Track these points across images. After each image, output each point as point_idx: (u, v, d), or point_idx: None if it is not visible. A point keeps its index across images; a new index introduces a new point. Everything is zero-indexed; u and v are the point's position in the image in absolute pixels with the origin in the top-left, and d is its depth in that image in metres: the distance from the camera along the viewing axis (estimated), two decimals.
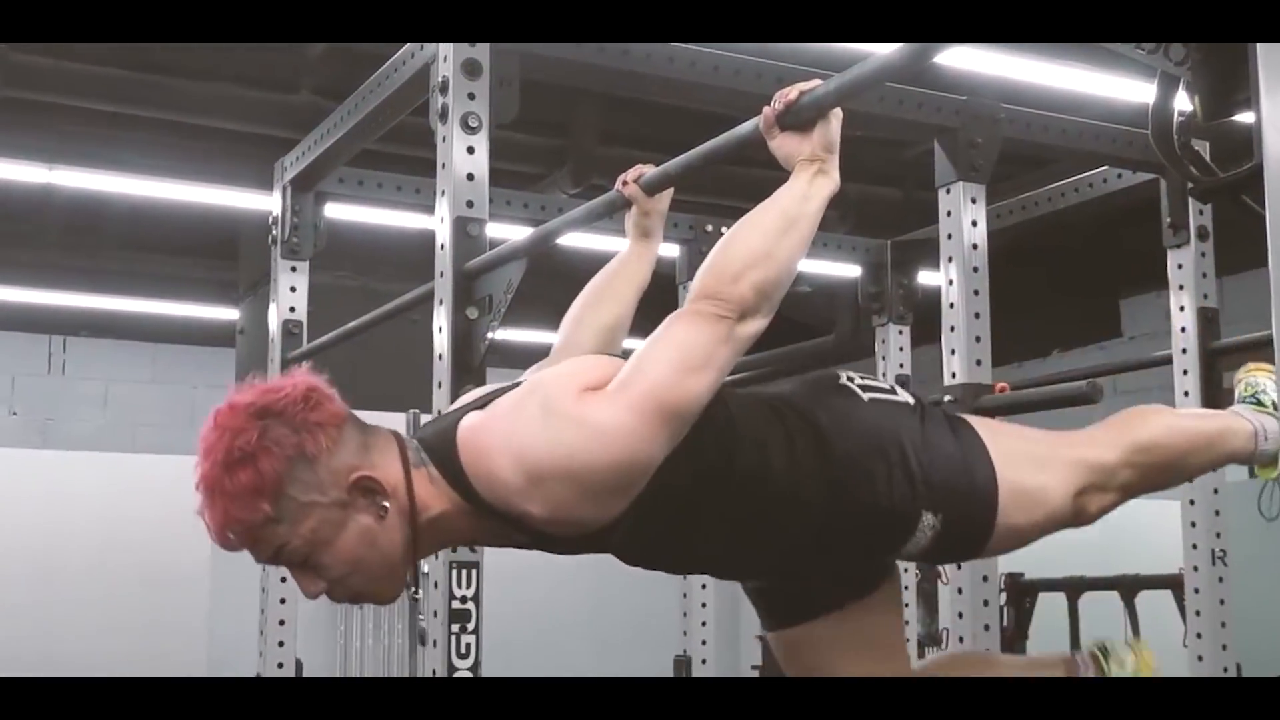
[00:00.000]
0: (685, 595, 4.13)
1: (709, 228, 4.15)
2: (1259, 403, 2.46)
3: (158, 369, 9.59)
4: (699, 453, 1.86)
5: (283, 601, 3.69)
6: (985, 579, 2.94)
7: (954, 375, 3.02)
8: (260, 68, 5.42)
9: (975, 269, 3.06)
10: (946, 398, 3.02)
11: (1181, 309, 3.53)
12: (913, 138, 4.79)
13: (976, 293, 3.05)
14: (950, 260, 3.09)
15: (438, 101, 2.77)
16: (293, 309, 3.81)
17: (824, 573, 2.16)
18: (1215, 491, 3.44)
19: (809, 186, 1.90)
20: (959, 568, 2.95)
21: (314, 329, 3.82)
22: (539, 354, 2.25)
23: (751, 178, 5.70)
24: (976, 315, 3.04)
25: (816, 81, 1.93)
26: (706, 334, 1.77)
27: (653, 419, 1.72)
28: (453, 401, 2.60)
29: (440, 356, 2.70)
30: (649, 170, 2.31)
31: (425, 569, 2.64)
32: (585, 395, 1.76)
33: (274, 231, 3.85)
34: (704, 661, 4.15)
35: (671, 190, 2.35)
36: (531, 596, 7.44)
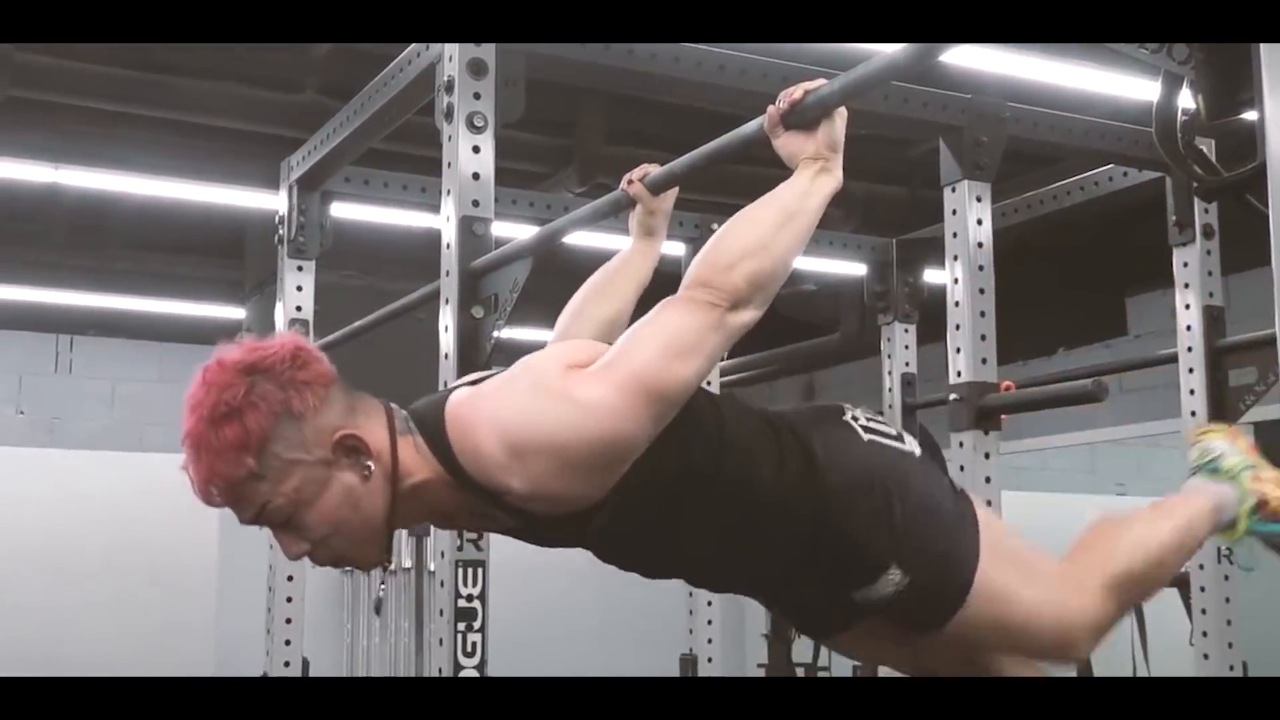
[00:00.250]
0: (691, 594, 4.13)
1: (714, 226, 4.10)
2: (1215, 469, 2.42)
3: (164, 368, 9.59)
4: (685, 450, 1.86)
5: (289, 600, 3.70)
6: None
7: (959, 374, 3.03)
8: (266, 67, 5.42)
9: (980, 267, 3.06)
10: (952, 396, 3.02)
11: (1187, 307, 3.54)
12: (918, 136, 4.80)
13: (982, 291, 3.05)
14: (956, 258, 3.09)
15: (443, 101, 2.77)
16: (299, 308, 3.82)
17: (787, 598, 2.16)
18: None
19: (810, 183, 1.90)
20: None
21: (320, 328, 3.83)
22: None
23: (757, 177, 5.69)
24: (982, 313, 3.04)
25: (822, 81, 1.94)
26: (696, 320, 1.78)
27: (636, 399, 1.72)
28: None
29: (446, 355, 2.70)
30: (654, 169, 2.31)
31: (432, 568, 2.65)
32: (571, 372, 1.77)
33: (280, 231, 3.86)
34: (710, 660, 4.15)
35: (676, 189, 2.35)
36: (538, 596, 7.45)
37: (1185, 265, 3.55)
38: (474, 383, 1.90)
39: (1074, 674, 2.35)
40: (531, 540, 1.98)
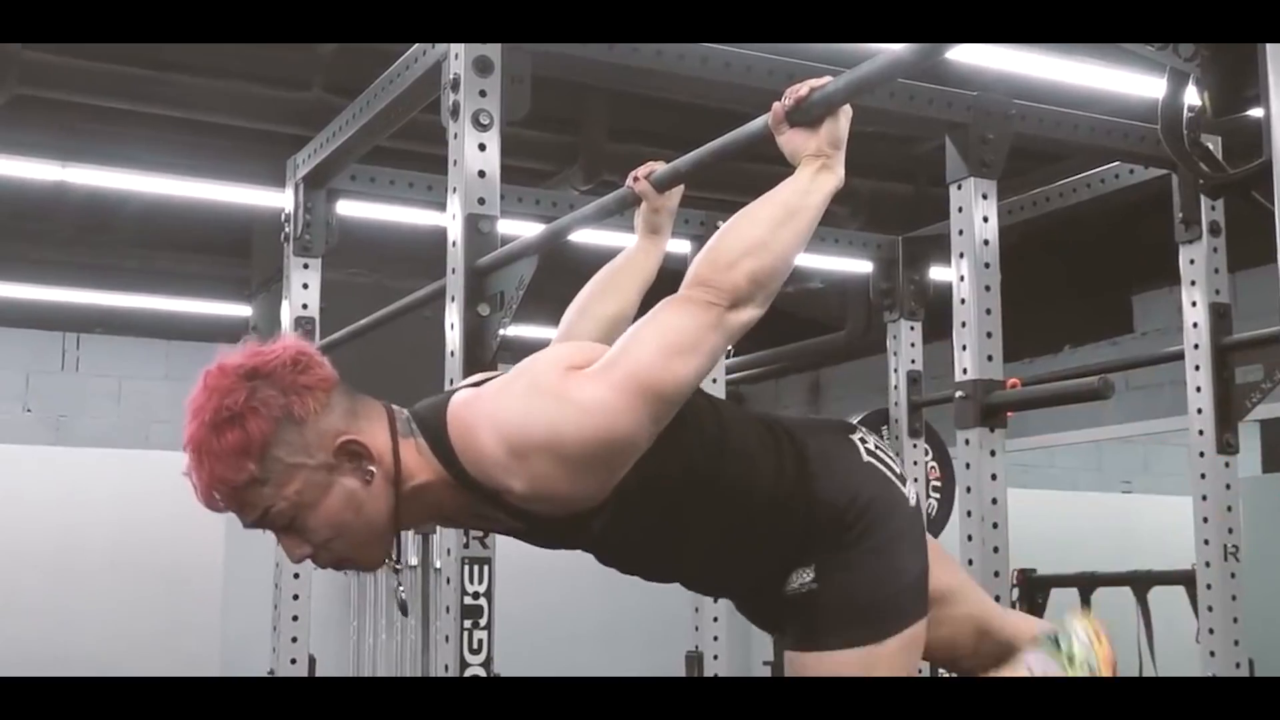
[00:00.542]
0: None
1: (719, 224, 4.12)
2: (1056, 646, 2.35)
3: (171, 366, 9.60)
4: (686, 454, 1.87)
5: (296, 598, 3.71)
6: (996, 574, 2.95)
7: (965, 371, 3.03)
8: (272, 65, 5.42)
9: (987, 265, 3.06)
10: (958, 393, 3.02)
11: (1193, 304, 3.53)
12: (924, 133, 4.80)
13: (988, 288, 3.05)
14: (962, 256, 3.09)
15: (449, 99, 2.77)
16: (305, 306, 3.83)
17: (760, 598, 2.13)
18: (1228, 487, 3.44)
19: (811, 181, 1.90)
20: (971, 562, 2.96)
21: (326, 326, 3.84)
22: None
23: (762, 174, 5.69)
24: (988, 311, 3.04)
25: (828, 78, 1.94)
26: (696, 319, 1.78)
27: (635, 398, 1.72)
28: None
29: (452, 353, 2.71)
30: (659, 167, 2.32)
31: (438, 565, 2.65)
32: (570, 373, 1.78)
33: (286, 229, 3.86)
34: (715, 657, 4.16)
35: (682, 187, 2.35)
36: (543, 593, 7.45)
37: (1191, 262, 3.55)
38: (477, 384, 1.91)
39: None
40: (533, 541, 1.98)
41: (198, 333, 9.35)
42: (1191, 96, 2.81)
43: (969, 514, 2.99)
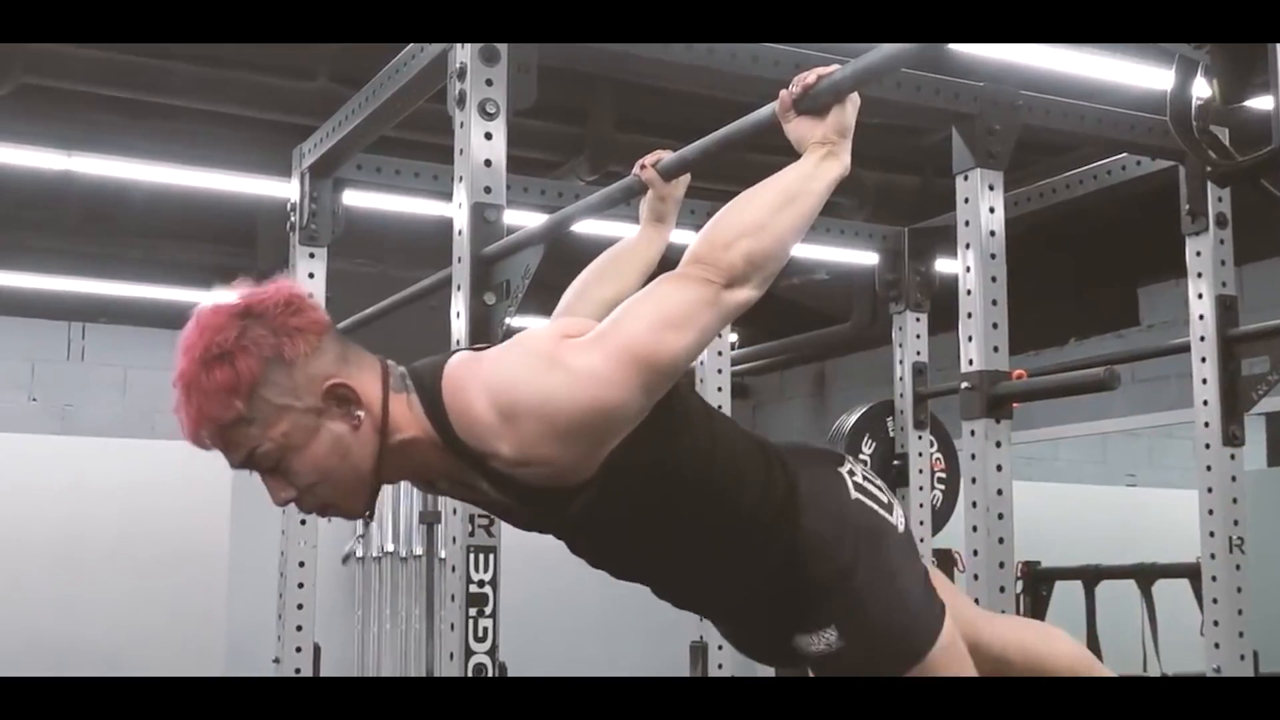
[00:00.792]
0: None
1: None
2: None
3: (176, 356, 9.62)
4: (675, 451, 1.88)
5: (301, 586, 3.71)
6: (1001, 565, 2.95)
7: (971, 362, 3.03)
8: (278, 55, 5.42)
9: (993, 255, 3.06)
10: (964, 384, 3.02)
11: (1200, 296, 3.53)
12: (931, 124, 4.79)
13: (994, 279, 3.05)
14: (968, 247, 3.09)
15: (455, 87, 2.77)
16: (311, 295, 3.81)
17: (737, 622, 2.16)
18: (1234, 479, 3.44)
19: (815, 167, 1.90)
20: (976, 554, 2.96)
21: (332, 315, 3.81)
22: None
23: (770, 166, 5.69)
24: (994, 302, 3.04)
25: (835, 66, 1.94)
26: (690, 294, 1.79)
27: (627, 368, 1.73)
28: None
29: (458, 342, 2.71)
30: (666, 155, 2.31)
31: (443, 554, 2.65)
32: (564, 341, 1.79)
33: (292, 218, 3.86)
34: (720, 647, 4.16)
35: (689, 176, 2.35)
36: (548, 582, 7.46)
37: (1198, 254, 3.54)
38: (478, 350, 1.92)
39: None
40: (510, 519, 1.99)
41: None
42: (1200, 87, 2.81)
43: (974, 505, 2.99)
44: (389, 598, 7.89)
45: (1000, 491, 2.96)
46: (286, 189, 3.97)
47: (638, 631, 7.73)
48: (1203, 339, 3.50)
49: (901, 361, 4.75)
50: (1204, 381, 3.49)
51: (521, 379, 1.75)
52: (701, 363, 4.52)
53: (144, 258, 7.89)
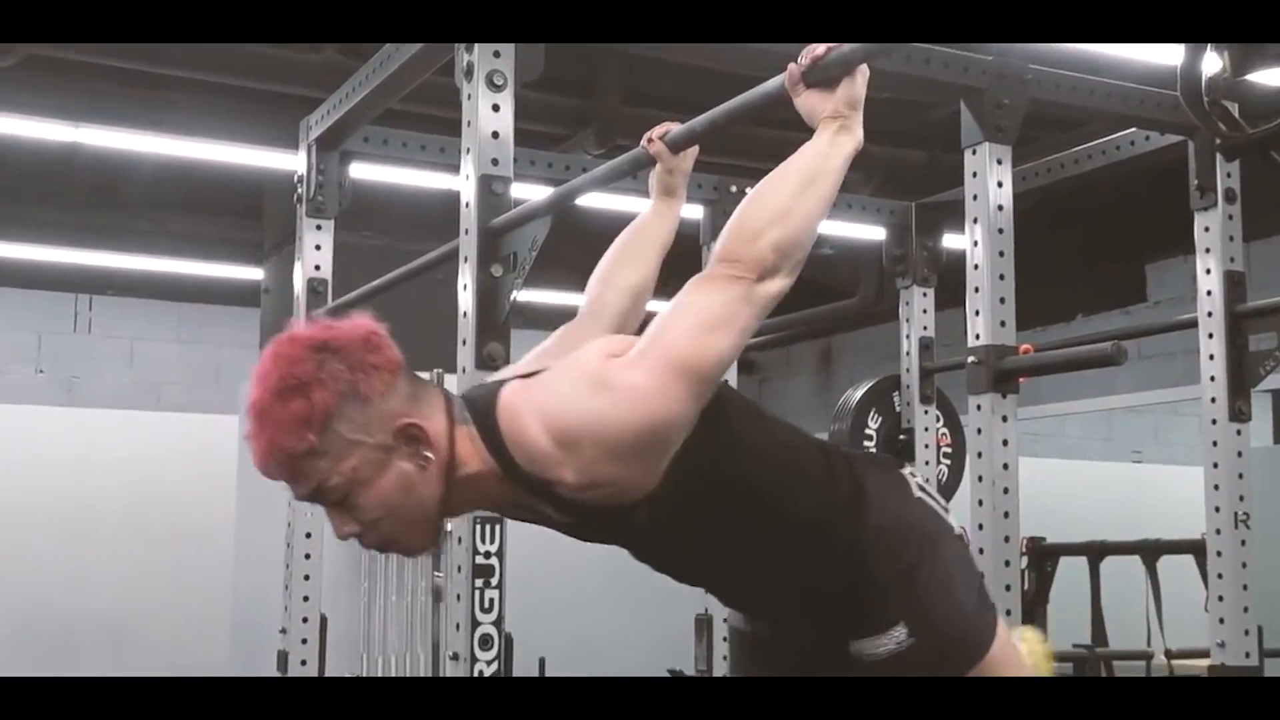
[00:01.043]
0: None
1: (733, 188, 4.15)
2: None
3: (183, 328, 9.64)
4: (740, 457, 1.90)
5: (307, 557, 3.73)
6: (1006, 540, 2.95)
7: (978, 336, 3.02)
8: None
9: (1000, 230, 3.05)
10: (971, 359, 3.02)
11: (1208, 272, 3.52)
12: (939, 99, 4.77)
13: (1001, 254, 3.04)
14: (975, 221, 3.08)
15: (463, 59, 2.77)
16: (318, 267, 3.83)
17: (802, 629, 2.14)
18: (1239, 455, 3.44)
19: (830, 144, 1.90)
20: (981, 528, 2.96)
21: (338, 289, 3.84)
22: (562, 315, 2.26)
23: (777, 139, 5.68)
24: (1001, 276, 3.03)
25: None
26: (724, 295, 1.79)
27: (673, 380, 1.73)
28: (476, 363, 2.63)
29: (465, 314, 2.71)
30: (674, 127, 2.31)
31: (449, 527, 2.66)
32: (610, 361, 1.79)
33: (299, 190, 3.86)
34: (724, 620, 4.16)
35: (696, 149, 2.34)
36: (553, 553, 7.48)
37: (1206, 230, 3.53)
38: (527, 375, 1.91)
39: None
40: (579, 535, 1.99)
41: (209, 295, 9.38)
42: (1211, 61, 2.80)
43: (980, 479, 2.99)
44: (395, 570, 7.92)
45: (1006, 466, 2.96)
46: (294, 161, 3.96)
47: (644, 603, 7.75)
48: (1210, 315, 3.50)
49: (908, 336, 4.75)
50: (1211, 357, 3.48)
51: (572, 405, 1.76)
52: None
53: (151, 230, 7.90)
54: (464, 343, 2.70)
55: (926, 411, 4.74)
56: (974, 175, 3.10)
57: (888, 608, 1.96)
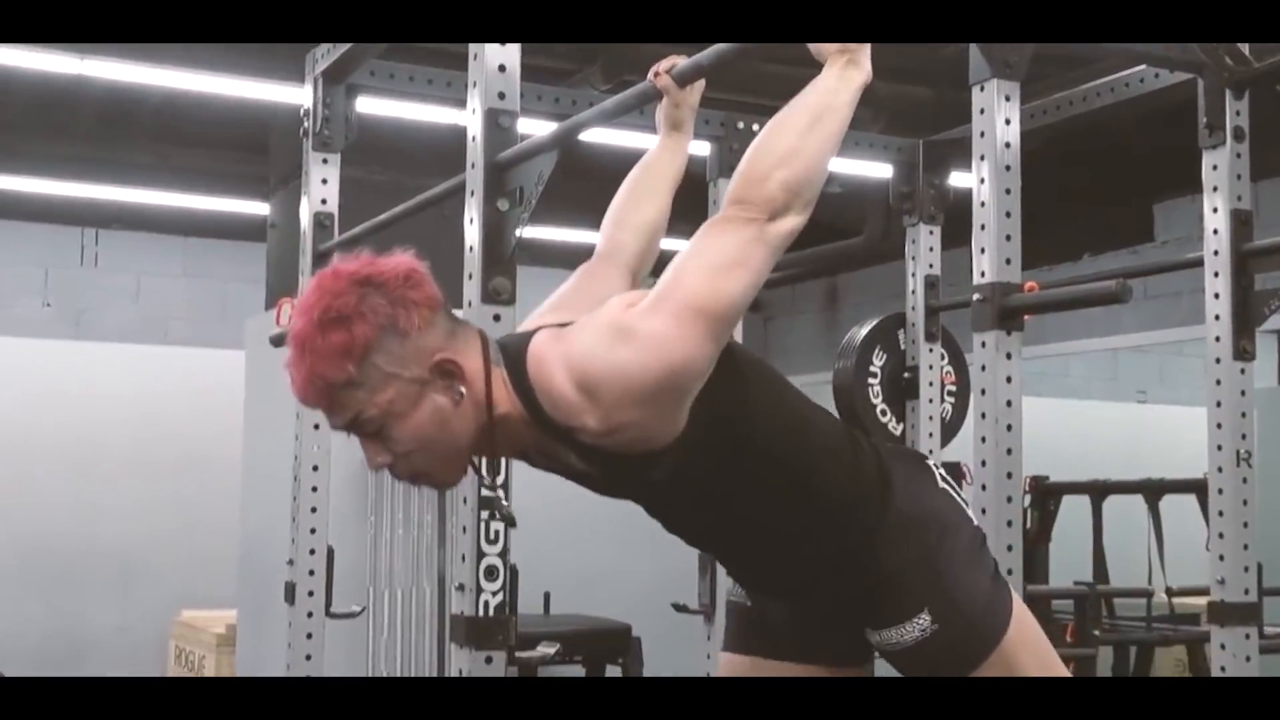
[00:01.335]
0: None
1: (740, 125, 4.13)
2: None
3: (189, 262, 9.64)
4: (765, 418, 1.94)
5: (314, 489, 3.75)
6: (1010, 476, 2.96)
7: (983, 274, 3.02)
8: None
9: (1008, 167, 3.04)
10: (976, 296, 3.02)
11: (1215, 210, 3.51)
12: None
13: (1008, 191, 3.03)
14: (982, 158, 3.07)
15: None
16: (324, 201, 3.83)
17: (811, 609, 2.17)
18: (1243, 394, 3.44)
19: (839, 79, 1.90)
20: (984, 464, 2.97)
21: (344, 224, 3.84)
22: (567, 252, 2.28)
23: (785, 76, 5.65)
24: (1007, 214, 3.02)
25: None
26: (736, 236, 1.81)
27: (690, 324, 1.77)
28: (482, 297, 2.63)
29: (471, 248, 2.71)
30: (682, 61, 2.31)
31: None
32: (629, 311, 1.83)
33: (305, 124, 3.85)
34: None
35: (703, 82, 2.34)
36: (558, 488, 7.52)
37: (1214, 168, 3.52)
38: (561, 325, 1.95)
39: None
40: (598, 488, 2.03)
41: (216, 229, 9.38)
42: None
43: (983, 416, 3.00)
44: (402, 502, 7.96)
45: (1009, 403, 2.97)
46: (300, 95, 3.95)
47: (646, 538, 7.81)
48: (1216, 253, 3.49)
49: (914, 274, 4.74)
50: (1216, 296, 3.48)
51: (595, 354, 1.80)
52: None
53: (157, 163, 7.89)
54: (470, 277, 2.70)
55: (931, 349, 4.74)
56: (981, 112, 3.08)
57: (911, 594, 2.00)
